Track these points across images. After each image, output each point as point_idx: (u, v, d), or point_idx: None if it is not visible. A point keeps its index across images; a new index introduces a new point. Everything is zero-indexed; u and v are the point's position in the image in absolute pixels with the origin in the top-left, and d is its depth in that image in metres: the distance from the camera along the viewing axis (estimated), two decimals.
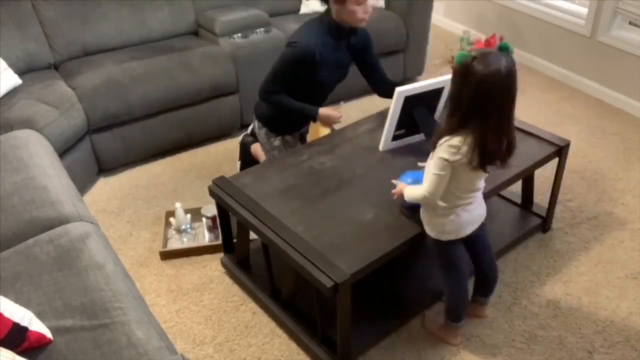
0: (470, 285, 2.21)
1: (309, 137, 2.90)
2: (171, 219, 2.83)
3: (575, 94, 3.98)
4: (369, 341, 2.18)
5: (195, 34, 3.68)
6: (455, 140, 1.77)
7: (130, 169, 3.30)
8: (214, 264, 2.63)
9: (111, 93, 3.05)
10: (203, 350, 2.23)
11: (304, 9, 3.83)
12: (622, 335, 2.25)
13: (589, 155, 3.32)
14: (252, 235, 2.34)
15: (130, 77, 3.11)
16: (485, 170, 1.83)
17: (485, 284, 2.24)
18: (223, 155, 3.35)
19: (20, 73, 3.08)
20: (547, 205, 2.72)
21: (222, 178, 2.36)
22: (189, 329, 2.32)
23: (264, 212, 2.14)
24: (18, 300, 1.68)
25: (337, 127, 2.74)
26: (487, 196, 2.13)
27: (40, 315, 1.62)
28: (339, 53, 2.57)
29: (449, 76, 2.06)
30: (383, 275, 2.38)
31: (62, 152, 2.85)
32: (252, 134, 2.92)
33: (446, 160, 1.79)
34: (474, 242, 2.10)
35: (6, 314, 1.49)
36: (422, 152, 2.25)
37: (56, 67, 3.31)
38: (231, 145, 3.43)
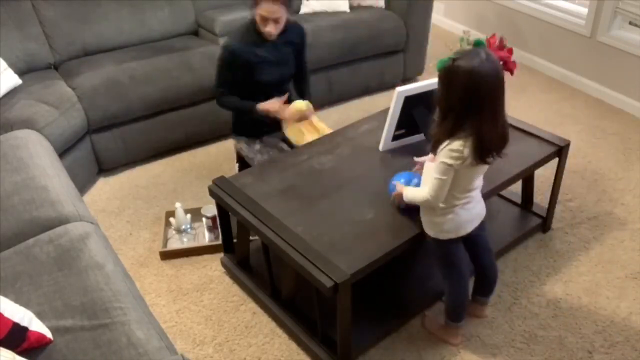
0: (470, 284, 2.21)
1: (294, 140, 2.79)
2: (171, 219, 2.83)
3: (575, 94, 3.98)
4: (369, 341, 2.18)
5: (195, 34, 3.69)
6: (456, 144, 1.77)
7: (130, 169, 3.30)
8: (214, 264, 2.62)
9: (111, 93, 3.05)
10: (203, 350, 2.23)
11: (304, 9, 3.84)
12: (622, 335, 2.25)
13: (589, 155, 3.32)
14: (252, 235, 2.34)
15: (130, 77, 3.11)
16: (486, 163, 1.83)
17: (485, 284, 2.24)
18: (223, 155, 3.35)
19: (20, 73, 3.08)
20: (547, 205, 2.72)
21: (222, 178, 2.36)
22: (189, 329, 2.32)
23: (264, 212, 2.14)
24: (18, 300, 1.68)
25: (337, 127, 2.74)
26: (487, 196, 2.13)
27: (40, 315, 1.62)
28: (277, 51, 2.64)
29: None
30: (383, 275, 2.38)
31: (62, 152, 2.85)
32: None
33: (449, 165, 1.79)
34: (474, 242, 2.10)
35: (6, 314, 1.49)
36: (422, 152, 2.26)
37: (56, 67, 3.31)
38: (231, 145, 3.42)
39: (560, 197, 2.88)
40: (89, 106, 3.01)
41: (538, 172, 2.66)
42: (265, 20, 2.50)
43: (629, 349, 2.19)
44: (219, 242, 2.64)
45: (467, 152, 1.77)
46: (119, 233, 2.83)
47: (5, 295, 1.66)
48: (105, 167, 3.24)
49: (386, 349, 2.21)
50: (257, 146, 2.75)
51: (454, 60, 1.71)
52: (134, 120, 3.18)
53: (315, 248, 1.96)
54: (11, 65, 3.03)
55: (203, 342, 2.27)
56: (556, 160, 2.56)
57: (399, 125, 2.41)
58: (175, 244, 2.74)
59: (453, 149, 1.78)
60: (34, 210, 2.06)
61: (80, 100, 3.00)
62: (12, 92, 2.93)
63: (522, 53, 4.33)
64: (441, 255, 2.07)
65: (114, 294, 1.72)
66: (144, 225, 2.87)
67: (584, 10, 3.89)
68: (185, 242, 2.75)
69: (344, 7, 3.85)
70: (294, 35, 2.71)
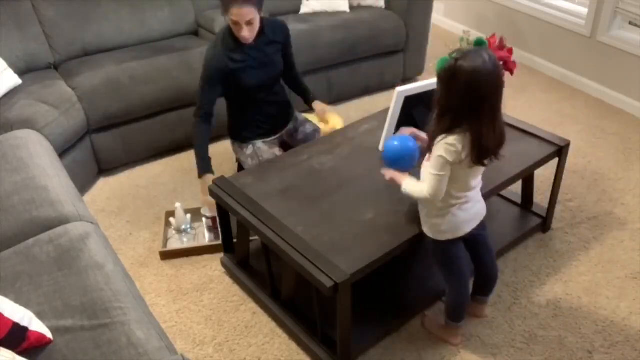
0: (470, 284, 2.21)
1: (323, 131, 2.85)
2: (171, 219, 2.83)
3: (575, 94, 3.98)
4: (369, 341, 2.18)
5: (195, 34, 3.69)
6: (451, 138, 1.78)
7: (130, 169, 3.30)
8: (214, 264, 2.62)
9: (111, 93, 3.05)
10: (203, 350, 2.23)
11: (304, 9, 3.83)
12: (622, 335, 2.25)
13: (589, 155, 3.32)
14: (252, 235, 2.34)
15: (130, 77, 3.11)
16: (483, 165, 1.84)
17: (486, 284, 2.24)
18: (223, 155, 3.35)
19: (20, 73, 3.08)
20: (547, 205, 2.72)
21: (222, 178, 2.36)
22: (189, 329, 2.32)
23: (264, 212, 2.14)
24: (18, 300, 1.68)
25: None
26: (487, 196, 2.13)
27: (40, 315, 1.62)
28: (260, 53, 2.60)
29: None
30: (383, 275, 2.38)
31: (62, 152, 2.85)
32: None
33: (445, 158, 1.79)
34: (475, 241, 2.10)
35: (6, 314, 1.49)
36: (422, 152, 2.25)
37: (56, 67, 3.31)
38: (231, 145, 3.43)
39: (560, 197, 2.88)
40: (89, 106, 3.01)
41: (538, 172, 2.66)
42: (237, 24, 2.44)
43: (629, 349, 2.19)
44: (219, 242, 2.64)
45: (461, 147, 1.77)
46: (119, 233, 2.83)
47: (5, 295, 1.66)
48: (105, 167, 3.24)
49: (386, 349, 2.21)
50: (249, 151, 2.75)
51: (456, 60, 1.71)
52: (134, 120, 3.18)
53: (315, 248, 1.96)
54: (11, 65, 3.03)
55: (203, 342, 2.27)
56: (556, 160, 2.56)
57: (399, 125, 2.40)
58: (175, 244, 2.74)
59: (449, 142, 1.78)
60: (34, 210, 2.06)
61: (80, 100, 3.00)
62: (12, 92, 2.93)
63: (522, 53, 4.33)
64: (441, 255, 2.07)
65: (114, 294, 1.72)
66: (144, 225, 2.87)
67: (584, 10, 3.89)
68: (185, 242, 2.75)
69: (344, 7, 3.85)
70: (276, 33, 2.66)
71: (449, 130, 1.78)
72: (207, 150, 2.62)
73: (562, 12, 4.03)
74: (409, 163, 2.06)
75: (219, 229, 2.54)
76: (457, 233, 1.99)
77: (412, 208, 2.12)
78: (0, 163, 2.30)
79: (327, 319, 2.08)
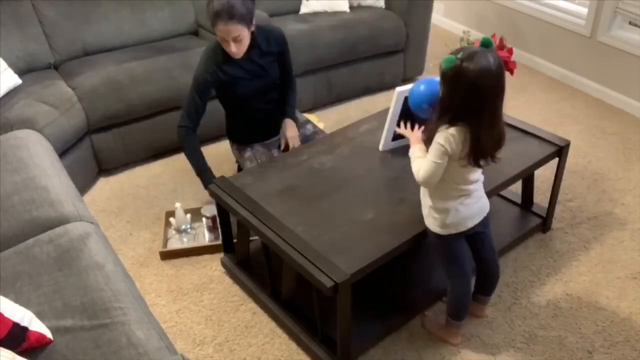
0: (472, 282, 2.21)
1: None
2: (171, 219, 2.83)
3: (575, 94, 3.98)
4: (369, 341, 2.18)
5: (195, 34, 3.68)
6: (454, 129, 1.79)
7: (130, 169, 3.30)
8: (214, 264, 2.62)
9: (111, 93, 3.05)
10: (203, 350, 2.23)
11: (304, 9, 3.84)
12: (622, 335, 2.25)
13: (589, 155, 3.32)
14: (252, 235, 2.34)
15: (130, 77, 3.11)
16: (479, 166, 1.84)
17: (487, 282, 2.24)
18: (223, 155, 3.35)
19: (20, 73, 3.08)
20: (547, 205, 2.72)
21: (222, 178, 2.36)
22: (189, 329, 2.32)
23: (264, 212, 2.14)
24: (18, 300, 1.68)
25: (337, 127, 2.74)
26: (487, 196, 2.13)
27: (40, 315, 1.62)
28: (253, 64, 2.57)
29: None
30: (383, 275, 2.38)
31: (62, 152, 2.85)
32: None
33: (445, 147, 1.80)
34: (477, 239, 2.10)
35: (6, 314, 1.49)
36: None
37: (56, 67, 3.31)
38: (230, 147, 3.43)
39: (560, 197, 2.88)
40: (89, 106, 3.01)
41: (538, 172, 2.66)
42: (224, 40, 2.41)
43: (629, 349, 2.19)
44: (219, 242, 2.64)
45: (459, 140, 1.78)
46: (119, 233, 2.83)
47: (5, 295, 1.66)
48: (105, 167, 3.24)
49: (386, 349, 2.21)
50: (248, 153, 2.75)
51: (461, 60, 1.71)
52: (134, 120, 3.18)
53: (315, 248, 1.96)
54: (11, 65, 3.03)
55: (203, 342, 2.27)
56: (556, 160, 2.56)
57: (399, 125, 2.40)
58: (175, 244, 2.74)
59: (451, 132, 1.79)
60: (34, 210, 2.06)
61: (80, 100, 3.00)
62: (12, 92, 2.93)
63: (522, 53, 4.33)
64: (443, 251, 2.07)
65: (114, 294, 1.72)
66: (144, 225, 2.87)
67: (584, 10, 3.89)
68: (185, 242, 2.75)
69: (344, 7, 3.85)
70: (270, 44, 2.60)
71: (447, 124, 1.79)
72: (204, 161, 2.64)
73: (562, 12, 4.03)
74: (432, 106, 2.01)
75: (219, 229, 2.54)
76: (459, 228, 1.99)
77: (412, 208, 2.12)
78: (0, 163, 2.30)
79: (327, 319, 2.08)
